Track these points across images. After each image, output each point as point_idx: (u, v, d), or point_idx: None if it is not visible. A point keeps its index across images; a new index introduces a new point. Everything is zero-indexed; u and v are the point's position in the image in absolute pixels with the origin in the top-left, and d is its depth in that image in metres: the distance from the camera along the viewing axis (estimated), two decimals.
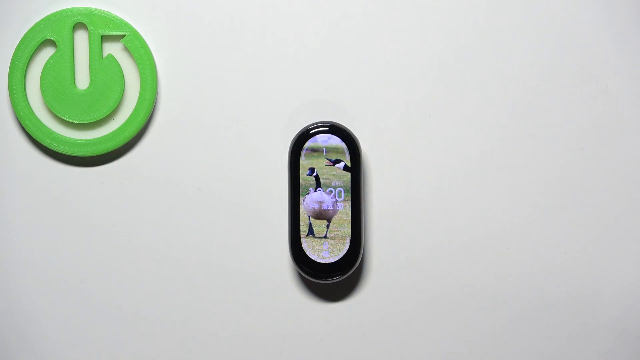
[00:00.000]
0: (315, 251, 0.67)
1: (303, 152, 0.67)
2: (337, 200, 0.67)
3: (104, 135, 0.69)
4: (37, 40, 0.68)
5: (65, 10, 0.69)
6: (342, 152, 0.67)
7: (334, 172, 0.67)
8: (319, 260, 0.67)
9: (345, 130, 0.67)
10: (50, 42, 0.69)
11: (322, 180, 0.67)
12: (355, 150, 0.67)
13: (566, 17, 0.69)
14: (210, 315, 0.70)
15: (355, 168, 0.67)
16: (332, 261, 0.67)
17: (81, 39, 0.69)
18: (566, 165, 0.70)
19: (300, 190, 0.67)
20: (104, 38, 0.69)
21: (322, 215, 0.67)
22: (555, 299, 0.70)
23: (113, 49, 0.69)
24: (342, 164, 0.67)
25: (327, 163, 0.67)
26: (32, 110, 0.69)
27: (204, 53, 0.69)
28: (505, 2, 0.69)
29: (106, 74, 0.69)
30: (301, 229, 0.67)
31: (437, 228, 0.70)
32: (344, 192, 0.67)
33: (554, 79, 0.69)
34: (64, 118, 0.69)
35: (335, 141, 0.67)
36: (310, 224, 0.67)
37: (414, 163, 0.70)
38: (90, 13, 0.69)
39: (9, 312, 0.71)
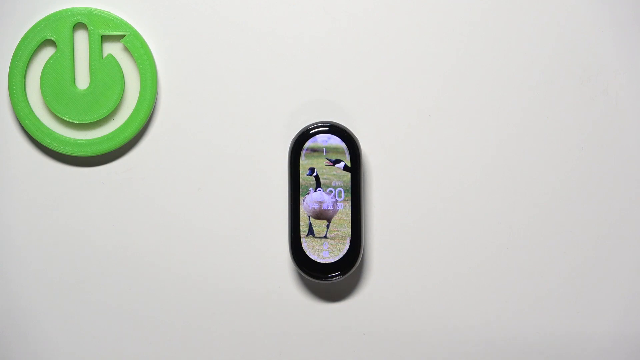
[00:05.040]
0: (315, 251, 0.67)
1: (303, 152, 0.67)
2: (337, 200, 0.67)
3: (104, 135, 0.69)
4: (37, 40, 0.68)
5: (65, 10, 0.69)
6: (342, 152, 0.67)
7: (334, 172, 0.67)
8: (319, 260, 0.67)
9: (345, 130, 0.67)
10: (50, 42, 0.69)
11: (322, 180, 0.67)
12: (355, 150, 0.67)
13: (566, 18, 0.69)
14: (210, 315, 0.71)
15: (355, 168, 0.67)
16: (332, 261, 0.67)
17: (81, 39, 0.69)
18: (566, 165, 0.70)
19: (300, 190, 0.67)
20: (104, 38, 0.69)
21: (322, 215, 0.67)
22: (555, 298, 0.70)
23: (113, 49, 0.69)
24: (342, 164, 0.67)
25: (327, 163, 0.67)
26: (32, 110, 0.69)
27: (204, 53, 0.69)
28: (506, 3, 0.69)
29: (106, 74, 0.69)
30: (301, 229, 0.67)
31: (437, 228, 0.70)
32: (344, 192, 0.67)
33: (554, 79, 0.69)
34: (64, 118, 0.69)
35: (335, 141, 0.67)
36: (310, 224, 0.67)
37: (414, 163, 0.70)
38: (90, 13, 0.69)
39: (9, 312, 0.71)
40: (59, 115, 0.69)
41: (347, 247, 0.67)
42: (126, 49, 0.69)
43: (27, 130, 0.69)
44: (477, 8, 0.69)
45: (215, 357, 0.71)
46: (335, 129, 0.67)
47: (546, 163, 0.70)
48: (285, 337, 0.71)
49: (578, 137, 0.70)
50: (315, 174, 0.67)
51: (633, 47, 0.69)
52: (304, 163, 0.67)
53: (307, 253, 0.67)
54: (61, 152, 0.69)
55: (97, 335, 0.71)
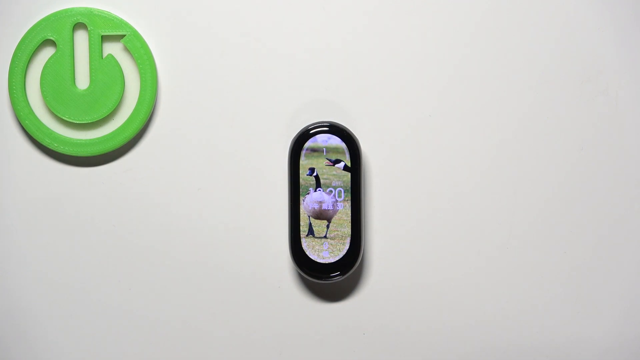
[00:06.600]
0: (315, 251, 0.67)
1: (303, 152, 0.67)
2: (337, 200, 0.67)
3: (104, 135, 0.69)
4: (37, 40, 0.68)
5: (65, 10, 0.69)
6: (342, 152, 0.67)
7: (334, 172, 0.67)
8: (319, 260, 0.67)
9: (345, 130, 0.67)
10: (50, 42, 0.69)
11: (322, 180, 0.67)
12: (355, 150, 0.67)
13: (566, 17, 0.69)
14: (210, 315, 0.71)
15: (355, 168, 0.67)
16: (332, 261, 0.67)
17: (81, 39, 0.69)
18: (566, 165, 0.70)
19: (300, 190, 0.67)
20: (104, 38, 0.69)
21: (322, 215, 0.67)
22: (555, 298, 0.70)
23: (113, 49, 0.69)
24: (342, 164, 0.67)
25: (327, 163, 0.67)
26: (32, 110, 0.69)
27: (204, 53, 0.69)
28: (506, 3, 0.69)
29: (106, 74, 0.69)
30: (301, 229, 0.67)
31: (437, 228, 0.70)
32: (344, 192, 0.67)
33: (554, 79, 0.69)
34: (64, 118, 0.69)
35: (335, 141, 0.67)
36: (310, 224, 0.67)
37: (414, 163, 0.70)
38: (90, 13, 0.69)
39: (9, 312, 0.71)
40: (59, 115, 0.69)
41: (347, 247, 0.67)
42: (126, 49, 0.69)
43: (27, 130, 0.69)
44: (477, 8, 0.69)
45: (215, 357, 0.71)
46: (335, 129, 0.67)
47: (546, 163, 0.70)
48: (285, 337, 0.71)
49: (578, 137, 0.70)
50: (315, 174, 0.67)
51: (633, 47, 0.69)
52: (304, 163, 0.67)
53: (307, 253, 0.67)
54: (61, 152, 0.69)
55: (97, 335, 0.71)
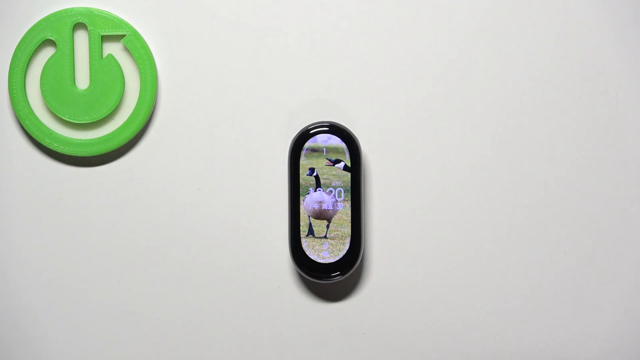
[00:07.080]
0: (315, 251, 0.67)
1: (303, 152, 0.67)
2: (337, 200, 0.67)
3: (104, 135, 0.69)
4: (37, 40, 0.68)
5: (65, 10, 0.69)
6: (342, 152, 0.67)
7: (334, 172, 0.67)
8: (319, 260, 0.67)
9: (345, 130, 0.67)
10: (50, 42, 0.69)
11: (322, 180, 0.67)
12: (355, 150, 0.67)
13: (566, 17, 0.69)
14: (210, 315, 0.71)
15: (355, 168, 0.67)
16: (332, 261, 0.67)
17: (81, 39, 0.69)
18: (566, 165, 0.70)
19: (300, 190, 0.67)
20: (104, 38, 0.69)
21: (322, 215, 0.67)
22: (555, 298, 0.70)
23: (113, 49, 0.69)
24: (342, 164, 0.67)
25: (327, 163, 0.67)
26: (32, 110, 0.69)
27: (204, 53, 0.69)
28: (506, 3, 0.69)
29: (106, 74, 0.69)
30: (301, 229, 0.67)
31: (437, 228, 0.70)
32: (344, 192, 0.67)
33: (554, 79, 0.69)
34: (64, 118, 0.69)
35: (335, 141, 0.67)
36: (310, 224, 0.67)
37: (414, 163, 0.70)
38: (90, 13, 0.69)
39: (9, 312, 0.71)
40: (59, 115, 0.69)
41: (347, 247, 0.67)
42: (126, 49, 0.69)
43: (27, 130, 0.69)
44: (477, 8, 0.69)
45: (215, 357, 0.71)
46: (335, 129, 0.67)
47: (546, 163, 0.70)
48: (285, 337, 0.71)
49: (578, 137, 0.70)
50: (315, 174, 0.67)
51: (633, 47, 0.69)
52: (304, 163, 0.67)
53: (307, 253, 0.67)
54: (61, 152, 0.69)
55: (97, 335, 0.71)
